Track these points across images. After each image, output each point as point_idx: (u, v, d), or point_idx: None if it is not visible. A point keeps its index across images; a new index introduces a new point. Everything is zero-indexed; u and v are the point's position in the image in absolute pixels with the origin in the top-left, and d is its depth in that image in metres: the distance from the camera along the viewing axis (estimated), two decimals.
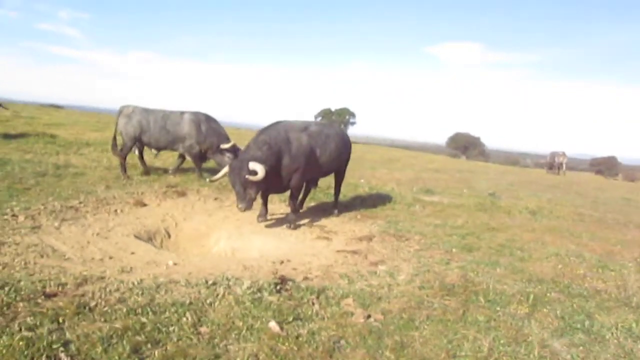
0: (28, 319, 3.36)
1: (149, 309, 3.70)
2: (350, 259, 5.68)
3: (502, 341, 3.79)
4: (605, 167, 44.60)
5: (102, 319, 3.50)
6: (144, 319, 3.54)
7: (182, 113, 9.78)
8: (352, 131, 56.13)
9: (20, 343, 3.03)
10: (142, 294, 4.03)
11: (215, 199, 8.25)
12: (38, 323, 3.32)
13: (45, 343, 3.07)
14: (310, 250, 6.11)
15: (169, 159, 12.32)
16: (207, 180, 9.25)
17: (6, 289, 3.82)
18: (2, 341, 3.05)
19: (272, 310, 3.91)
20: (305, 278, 4.83)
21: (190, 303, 3.90)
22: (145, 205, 7.41)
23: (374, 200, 9.58)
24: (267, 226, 7.09)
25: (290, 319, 3.81)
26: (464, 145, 61.71)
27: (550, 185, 19.11)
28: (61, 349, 3.05)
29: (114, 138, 9.94)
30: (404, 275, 5.16)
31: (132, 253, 5.28)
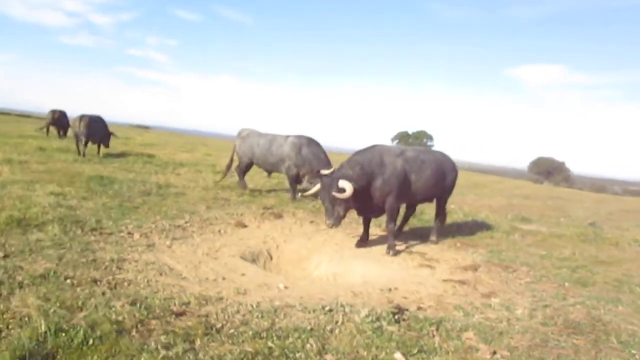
0: (162, 338, 3.46)
1: (273, 334, 3.71)
2: (460, 290, 5.48)
3: None
4: None
5: (230, 341, 3.53)
6: (270, 344, 3.54)
7: (288, 136, 10.18)
8: None
9: None
10: (262, 317, 4.05)
11: (312, 222, 8.29)
12: (172, 342, 3.40)
13: None
14: (414, 278, 5.96)
15: (260, 179, 12.63)
16: (299, 194, 9.44)
17: (137, 305, 3.96)
18: (142, 358, 3.15)
19: (394, 340, 3.80)
20: (419, 308, 4.70)
21: (312, 329, 3.87)
22: (245, 226, 7.56)
23: (470, 228, 9.29)
24: (366, 251, 7.02)
25: (415, 351, 3.69)
26: (547, 170, 59.00)
27: None
28: None
29: (232, 157, 11.18)
30: (522, 310, 4.89)
31: (243, 274, 5.36)
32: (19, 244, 5.31)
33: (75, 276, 4.54)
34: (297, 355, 3.44)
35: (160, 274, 4.95)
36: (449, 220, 9.84)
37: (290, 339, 3.67)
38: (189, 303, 4.20)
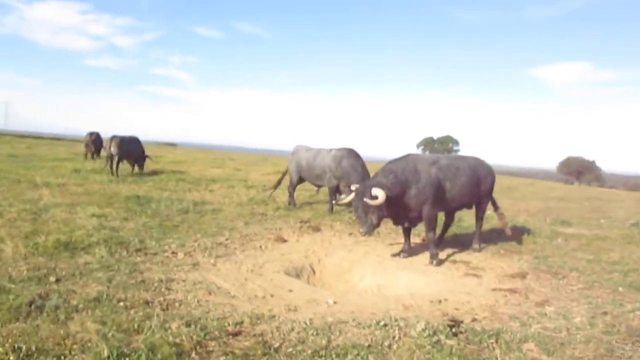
0: (222, 359, 3.44)
1: (331, 352, 3.66)
2: (512, 299, 5.35)
3: None
4: None
5: None
6: None
7: (331, 149, 10.30)
8: None
9: None
10: (318, 334, 4.00)
11: (350, 234, 8.24)
12: None
13: None
14: (462, 288, 5.84)
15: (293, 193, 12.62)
16: (334, 201, 9.42)
17: (192, 326, 3.96)
18: None
19: (455, 355, 3.71)
20: (474, 319, 4.59)
21: (369, 346, 3.81)
22: (285, 241, 7.55)
23: (511, 233, 9.08)
24: (409, 262, 6.93)
25: None
26: (577, 170, 57.74)
27: None
28: None
29: (284, 173, 11.61)
30: (580, 318, 4.74)
31: (290, 291, 5.33)
32: (69, 268, 5.39)
33: (128, 298, 4.57)
34: None
35: (209, 293, 4.96)
36: (487, 226, 9.69)
37: (349, 357, 3.61)
38: (242, 322, 4.18)
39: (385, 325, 4.25)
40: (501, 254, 7.52)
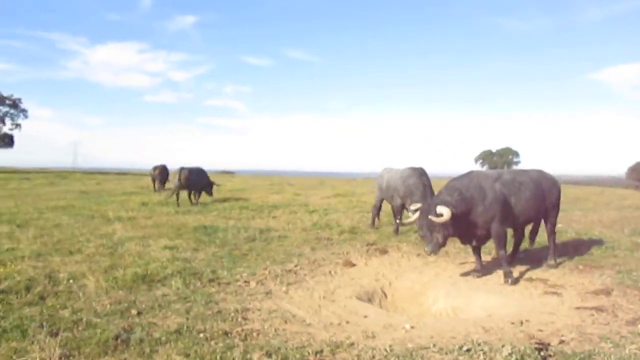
0: None
1: None
2: (599, 318, 5.08)
3: None
4: None
5: None
6: None
7: (404, 169, 10.35)
8: None
9: None
10: None
11: (418, 255, 8.11)
12: None
13: None
14: (543, 307, 5.60)
15: (355, 215, 12.57)
16: (397, 221, 9.33)
17: (273, 357, 3.97)
18: None
19: None
20: (561, 341, 4.38)
21: None
22: (353, 265, 7.51)
23: (588, 247, 8.70)
24: (482, 282, 6.73)
25: None
26: None
27: None
28: None
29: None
30: None
31: (365, 316, 5.28)
32: (148, 300, 5.55)
33: (207, 329, 4.65)
34: None
35: (285, 322, 4.98)
36: (562, 239, 9.31)
37: None
38: (322, 351, 4.16)
39: (468, 350, 4.12)
40: (580, 270, 7.18)
